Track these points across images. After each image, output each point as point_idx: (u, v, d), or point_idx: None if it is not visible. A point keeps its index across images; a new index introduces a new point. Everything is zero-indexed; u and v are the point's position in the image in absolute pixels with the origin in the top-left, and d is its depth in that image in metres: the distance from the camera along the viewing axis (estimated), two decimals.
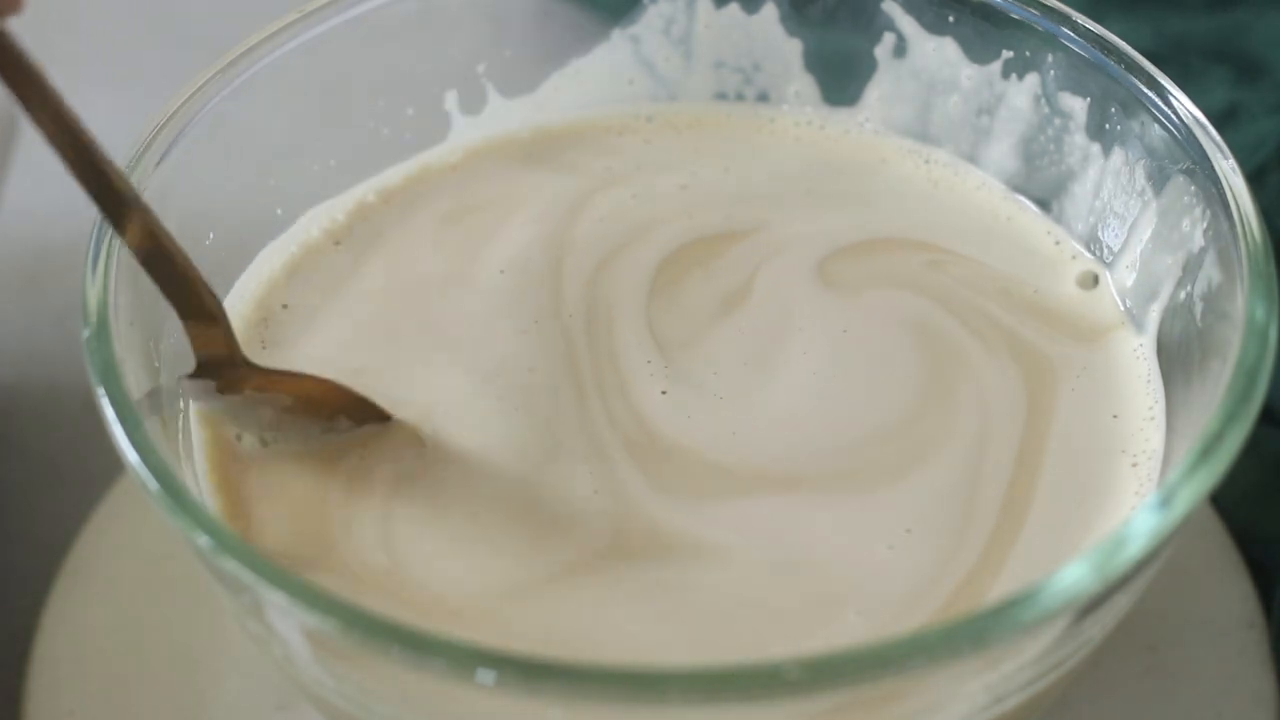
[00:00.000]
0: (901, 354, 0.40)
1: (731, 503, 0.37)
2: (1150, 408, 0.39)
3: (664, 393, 0.39)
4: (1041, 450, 0.38)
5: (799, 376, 0.39)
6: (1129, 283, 0.41)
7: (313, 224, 0.43)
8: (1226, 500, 0.44)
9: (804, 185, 0.44)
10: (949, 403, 0.39)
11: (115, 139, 0.41)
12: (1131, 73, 0.40)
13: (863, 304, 0.41)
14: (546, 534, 0.36)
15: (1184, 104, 0.39)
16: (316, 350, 0.41)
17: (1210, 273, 0.37)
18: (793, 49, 0.46)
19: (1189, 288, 0.38)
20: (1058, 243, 0.43)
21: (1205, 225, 0.38)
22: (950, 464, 0.38)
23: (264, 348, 0.41)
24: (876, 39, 0.45)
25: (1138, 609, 0.35)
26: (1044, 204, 0.43)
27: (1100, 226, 0.42)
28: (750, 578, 0.36)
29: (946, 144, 0.45)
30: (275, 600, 0.31)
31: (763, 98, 0.46)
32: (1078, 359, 0.40)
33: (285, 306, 0.42)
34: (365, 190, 0.44)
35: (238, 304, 0.41)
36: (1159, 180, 0.40)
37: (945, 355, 0.40)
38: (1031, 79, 0.42)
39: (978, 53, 0.43)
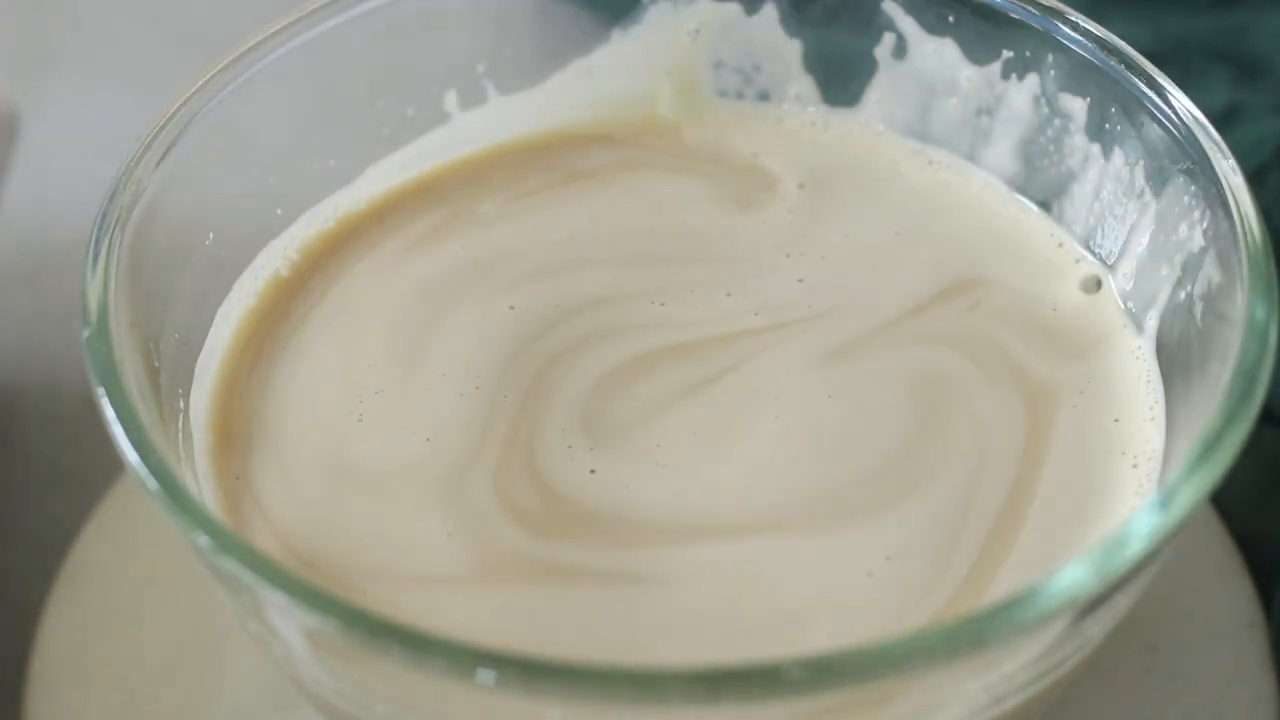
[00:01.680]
0: (898, 398, 0.39)
1: (670, 548, 0.36)
2: (1150, 408, 0.39)
3: (592, 471, 0.38)
4: (1041, 461, 0.38)
5: (766, 436, 0.38)
6: (1129, 284, 0.41)
7: (312, 226, 0.43)
8: (1226, 500, 0.44)
9: (827, 193, 0.44)
10: (944, 437, 0.38)
11: (116, 139, 0.41)
12: (1131, 73, 0.40)
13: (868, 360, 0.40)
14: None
15: (1184, 104, 0.39)
16: (317, 348, 0.41)
17: (1210, 273, 0.37)
18: (793, 50, 0.46)
19: (1189, 288, 0.38)
20: (1060, 245, 0.43)
21: (1205, 225, 0.38)
22: (941, 492, 0.37)
23: (267, 352, 0.41)
24: (876, 39, 0.45)
25: (1138, 609, 0.35)
26: (1044, 205, 0.43)
27: (1100, 228, 0.42)
28: (692, 605, 0.35)
29: (947, 145, 0.45)
30: (275, 600, 0.31)
31: (763, 97, 0.46)
32: (1082, 371, 0.40)
33: (288, 312, 0.42)
34: (364, 193, 0.44)
35: (238, 305, 0.41)
36: (1159, 180, 0.40)
37: (945, 392, 0.39)
38: (1031, 79, 0.42)
39: (977, 53, 0.43)
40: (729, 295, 0.41)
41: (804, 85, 0.46)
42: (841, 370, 0.39)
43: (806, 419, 0.38)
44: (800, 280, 0.42)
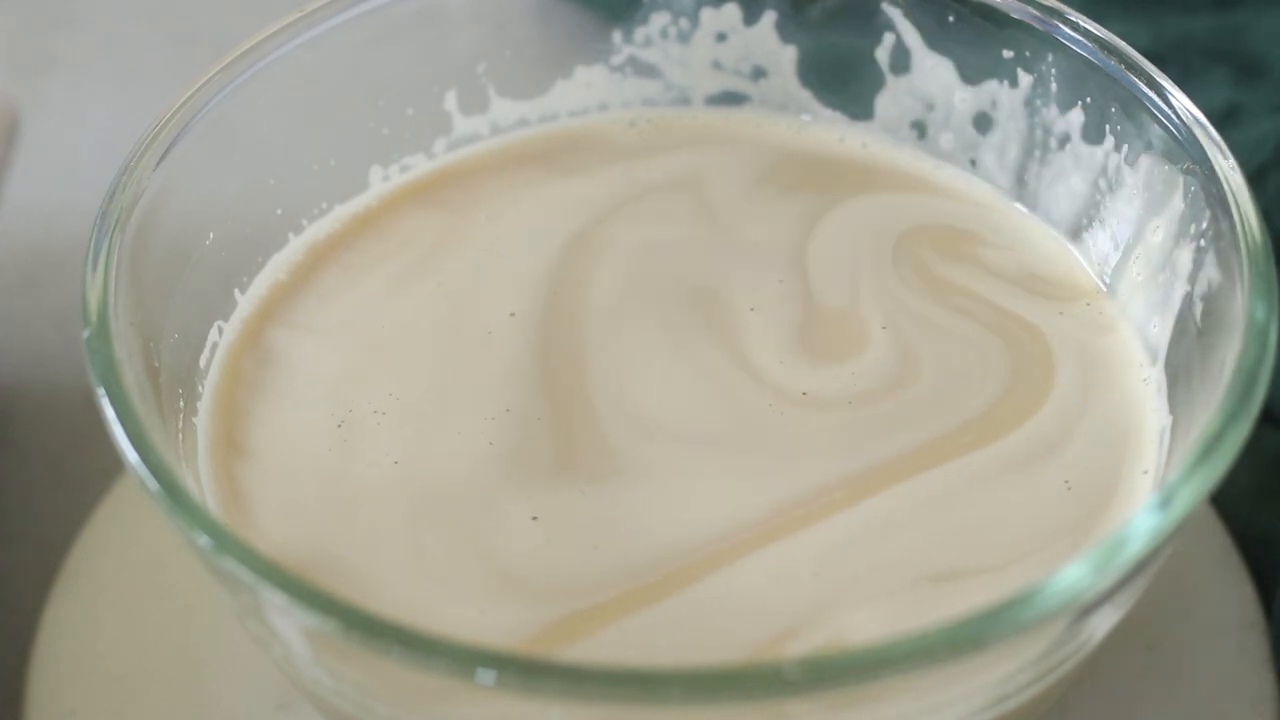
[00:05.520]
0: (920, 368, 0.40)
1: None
2: (1152, 409, 0.39)
3: (582, 493, 0.37)
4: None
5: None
6: (1130, 284, 0.41)
7: (312, 227, 0.43)
8: (1226, 500, 0.44)
9: (830, 201, 0.44)
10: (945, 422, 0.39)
11: (115, 139, 0.41)
12: (1131, 73, 0.40)
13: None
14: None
15: (1184, 104, 0.39)
16: (317, 351, 0.41)
17: (1210, 273, 0.37)
18: (790, 54, 0.46)
19: (1189, 287, 0.38)
20: (1061, 247, 0.43)
21: (1205, 225, 0.38)
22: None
23: (267, 353, 0.41)
24: (876, 42, 0.44)
25: (1138, 609, 0.35)
26: (1044, 207, 0.43)
27: (1100, 228, 0.42)
28: None
29: (946, 149, 0.45)
30: (275, 600, 0.31)
31: (763, 102, 0.46)
32: (1082, 371, 0.40)
33: (288, 313, 0.42)
34: (365, 193, 0.44)
35: (238, 306, 0.41)
36: (1159, 181, 0.40)
37: (957, 383, 0.40)
38: (1031, 80, 0.42)
39: (977, 54, 0.43)
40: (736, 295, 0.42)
41: (803, 90, 0.46)
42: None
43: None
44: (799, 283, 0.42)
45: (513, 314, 0.41)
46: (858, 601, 0.35)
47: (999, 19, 0.42)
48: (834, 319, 0.41)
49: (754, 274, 0.42)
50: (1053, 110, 0.42)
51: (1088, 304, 0.41)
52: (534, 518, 0.37)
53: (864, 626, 0.35)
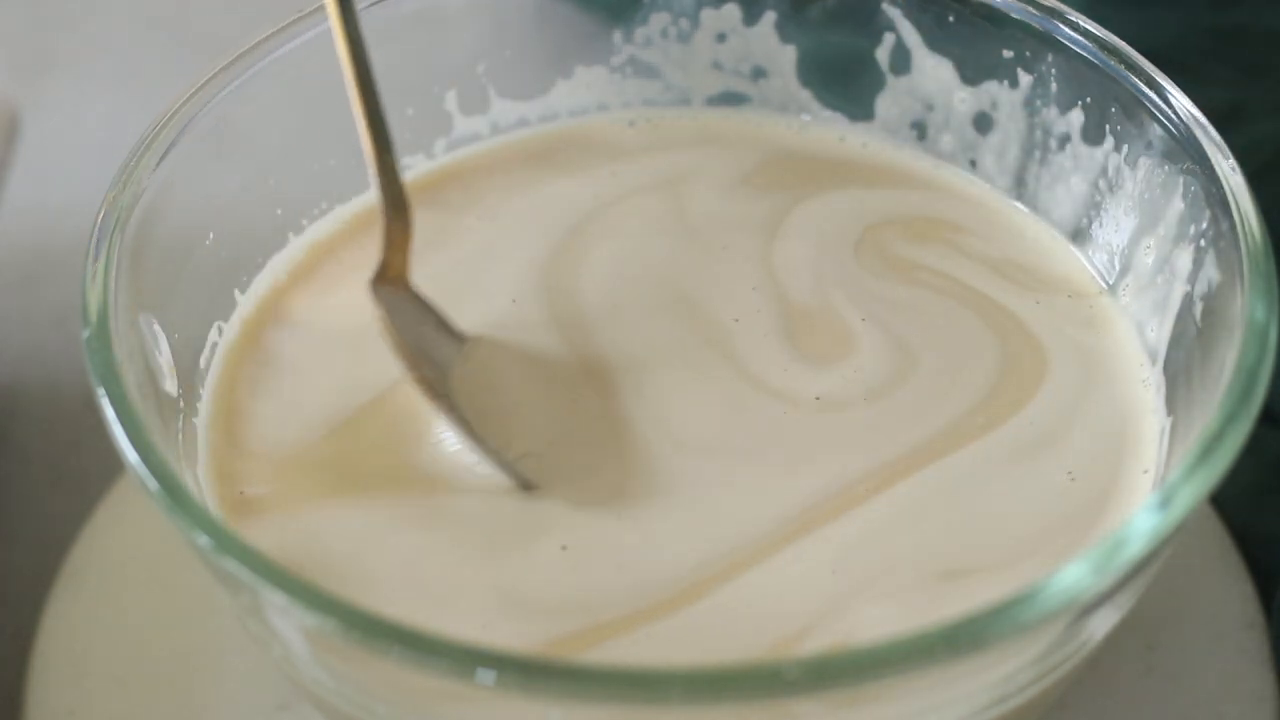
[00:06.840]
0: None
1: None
2: (1152, 409, 0.39)
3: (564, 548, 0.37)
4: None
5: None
6: (1129, 284, 0.41)
7: (312, 227, 0.43)
8: (1226, 500, 0.44)
9: (831, 205, 0.44)
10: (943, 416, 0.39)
11: (115, 139, 0.41)
12: (1131, 73, 0.40)
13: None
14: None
15: (1184, 104, 0.39)
16: (318, 350, 0.41)
17: (1210, 273, 0.37)
18: (790, 55, 0.46)
19: (1189, 288, 0.38)
20: (1061, 246, 0.43)
21: (1205, 225, 0.38)
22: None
23: (267, 353, 0.41)
24: (876, 41, 0.45)
25: (1138, 609, 0.35)
26: (1044, 207, 0.43)
27: (1100, 228, 0.42)
28: None
29: (946, 149, 0.45)
30: (275, 600, 0.31)
31: (763, 102, 0.46)
32: (1082, 368, 0.40)
33: (288, 312, 0.42)
34: (364, 194, 0.44)
35: (238, 306, 0.41)
36: (1159, 181, 0.40)
37: (955, 373, 0.40)
38: (1031, 80, 0.42)
39: (977, 54, 0.43)
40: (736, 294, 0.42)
41: (802, 90, 0.46)
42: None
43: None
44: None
45: (502, 325, 0.41)
46: (873, 598, 0.35)
47: (999, 19, 0.42)
48: (813, 318, 0.41)
49: (728, 281, 0.42)
50: (1052, 111, 0.42)
51: (1069, 297, 0.41)
52: (545, 530, 0.37)
53: (878, 623, 0.35)
